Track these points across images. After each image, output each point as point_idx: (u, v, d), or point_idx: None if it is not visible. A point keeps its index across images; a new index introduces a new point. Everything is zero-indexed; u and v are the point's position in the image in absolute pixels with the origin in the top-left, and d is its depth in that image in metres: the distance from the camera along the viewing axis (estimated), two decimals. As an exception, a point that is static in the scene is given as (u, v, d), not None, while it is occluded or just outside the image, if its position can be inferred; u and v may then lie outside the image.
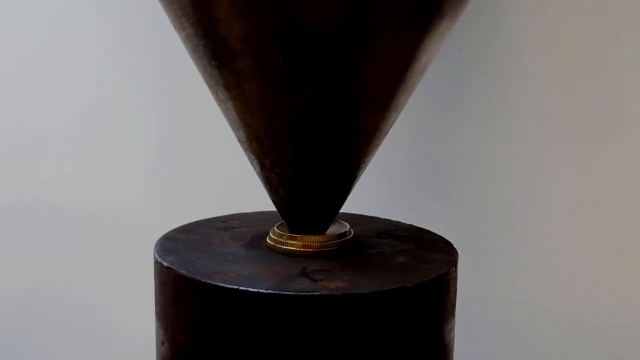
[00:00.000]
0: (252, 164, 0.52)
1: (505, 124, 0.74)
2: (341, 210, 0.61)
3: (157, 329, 0.52)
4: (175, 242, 0.54)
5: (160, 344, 0.52)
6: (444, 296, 0.50)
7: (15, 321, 0.91)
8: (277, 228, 0.54)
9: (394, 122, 0.52)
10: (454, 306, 0.52)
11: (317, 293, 0.46)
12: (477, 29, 0.73)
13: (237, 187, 0.82)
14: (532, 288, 0.75)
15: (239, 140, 0.52)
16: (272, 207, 0.62)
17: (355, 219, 0.58)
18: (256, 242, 0.55)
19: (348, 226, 0.55)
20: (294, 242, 0.52)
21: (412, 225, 0.60)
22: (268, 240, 0.54)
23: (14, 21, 0.85)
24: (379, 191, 0.79)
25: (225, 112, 0.51)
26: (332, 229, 0.55)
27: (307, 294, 0.46)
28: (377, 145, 0.52)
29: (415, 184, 0.78)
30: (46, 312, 0.90)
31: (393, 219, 0.62)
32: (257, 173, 0.53)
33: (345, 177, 0.52)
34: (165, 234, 0.56)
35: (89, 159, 0.86)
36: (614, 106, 0.70)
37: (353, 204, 0.66)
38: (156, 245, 0.54)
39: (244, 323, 0.46)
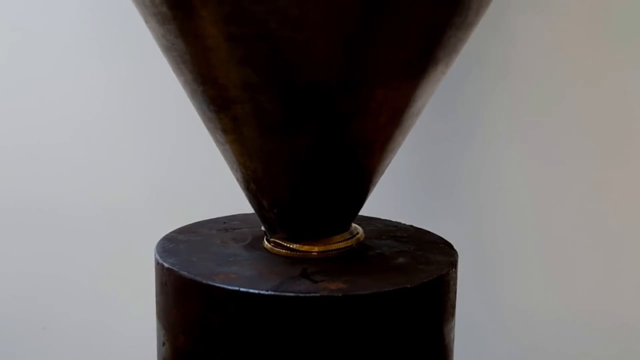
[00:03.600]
0: (250, 203, 0.53)
1: (506, 124, 0.74)
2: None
3: (158, 330, 0.53)
4: (176, 243, 0.55)
5: (161, 345, 0.52)
6: (444, 297, 0.51)
7: (16, 321, 0.91)
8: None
9: (390, 161, 0.53)
10: (454, 307, 0.52)
11: (318, 294, 0.46)
12: (477, 30, 0.73)
13: (238, 188, 0.82)
14: (532, 288, 0.75)
15: (238, 180, 0.53)
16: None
17: (356, 220, 0.58)
18: (257, 243, 0.55)
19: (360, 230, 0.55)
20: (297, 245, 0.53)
21: (412, 226, 0.61)
22: (267, 243, 0.54)
23: (14, 22, 0.85)
24: (378, 192, 0.79)
25: (224, 153, 0.52)
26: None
27: (307, 295, 0.46)
28: (375, 184, 0.53)
29: (415, 185, 0.78)
30: (47, 312, 0.90)
31: (393, 219, 0.62)
32: (255, 211, 0.53)
33: (343, 216, 0.53)
34: (166, 235, 0.57)
35: (89, 159, 0.86)
36: (618, 108, 0.70)
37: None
38: (157, 246, 0.54)
39: (244, 324, 0.46)
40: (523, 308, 0.76)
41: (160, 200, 0.85)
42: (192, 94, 0.50)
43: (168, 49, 0.48)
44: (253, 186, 0.51)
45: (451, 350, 0.53)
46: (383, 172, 0.53)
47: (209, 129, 0.51)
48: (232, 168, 0.52)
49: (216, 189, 0.83)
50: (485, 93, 0.74)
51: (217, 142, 0.51)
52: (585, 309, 0.74)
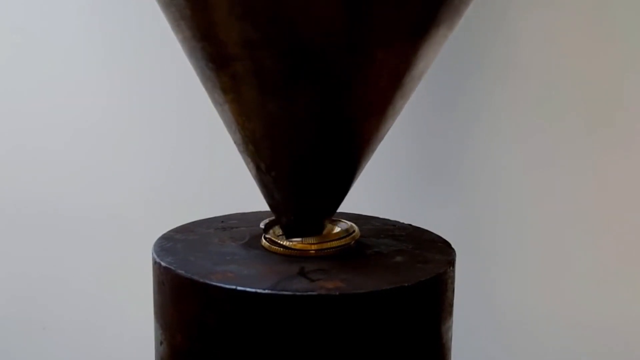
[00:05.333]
0: (247, 166, 0.52)
1: (506, 124, 0.74)
2: (340, 210, 0.62)
3: (155, 329, 0.53)
4: (173, 242, 0.55)
5: (159, 344, 0.52)
6: (442, 296, 0.50)
7: (15, 321, 0.91)
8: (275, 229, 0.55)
9: (390, 127, 0.52)
10: (451, 306, 0.52)
11: (315, 293, 0.46)
12: (478, 26, 0.73)
13: (236, 187, 0.82)
14: (531, 287, 0.75)
15: (235, 143, 0.52)
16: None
17: (354, 219, 0.58)
18: (255, 242, 0.55)
19: (353, 227, 0.55)
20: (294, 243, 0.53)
21: (410, 225, 0.61)
22: (264, 241, 0.54)
23: (15, 23, 0.85)
24: (377, 191, 0.79)
25: (222, 114, 0.51)
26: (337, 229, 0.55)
27: (304, 293, 0.46)
28: (373, 150, 0.52)
29: (414, 183, 0.78)
30: (46, 312, 0.90)
31: (391, 218, 0.62)
32: (252, 176, 0.53)
33: (341, 181, 0.53)
34: (164, 234, 0.57)
35: (88, 160, 0.86)
36: (618, 102, 0.70)
37: (352, 204, 0.66)
38: (154, 245, 0.54)
39: (242, 323, 0.46)
40: (523, 307, 0.76)
41: (158, 200, 0.85)
42: (191, 52, 0.49)
43: (167, 5, 0.48)
44: (251, 147, 0.50)
45: (449, 349, 0.53)
46: (382, 138, 0.52)
47: (207, 88, 0.50)
48: (230, 130, 0.51)
49: (214, 188, 0.83)
50: (486, 92, 0.74)
51: (216, 102, 0.51)
52: (586, 309, 0.74)
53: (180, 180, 0.84)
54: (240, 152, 0.52)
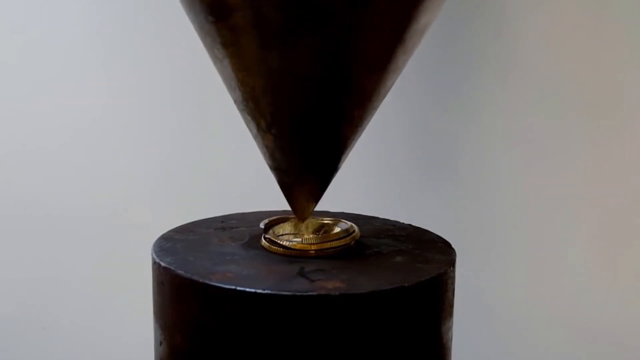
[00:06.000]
0: (247, 126, 0.52)
1: (506, 122, 0.74)
2: (339, 210, 0.61)
3: (155, 330, 0.53)
4: (173, 242, 0.54)
5: (159, 344, 0.52)
6: (442, 296, 0.50)
7: (15, 321, 0.91)
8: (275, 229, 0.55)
9: (392, 84, 0.52)
10: (452, 306, 0.52)
11: (315, 293, 0.46)
12: (477, 25, 0.73)
13: (236, 187, 0.82)
14: (531, 287, 0.75)
15: (235, 102, 0.51)
16: (270, 207, 0.62)
17: (354, 219, 0.58)
18: (254, 242, 0.55)
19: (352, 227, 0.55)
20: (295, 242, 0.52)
21: (410, 225, 0.60)
22: (264, 241, 0.54)
23: (16, 24, 0.85)
24: (377, 191, 0.79)
25: (221, 70, 0.50)
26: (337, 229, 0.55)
27: (304, 294, 0.46)
28: (375, 108, 0.52)
29: (414, 183, 0.78)
30: (46, 312, 0.90)
31: (391, 218, 0.62)
32: (253, 136, 0.52)
33: (343, 139, 0.52)
34: (163, 234, 0.57)
35: (87, 160, 0.86)
36: (616, 102, 0.70)
37: (352, 204, 0.66)
38: (154, 245, 0.54)
39: (241, 323, 0.46)
40: (522, 308, 0.76)
41: (158, 200, 0.84)
42: (190, 5, 0.48)
43: None
44: (251, 104, 0.50)
45: (449, 350, 0.53)
46: (384, 96, 0.52)
47: (206, 44, 0.50)
48: (229, 87, 0.51)
49: (214, 189, 0.83)
50: (485, 91, 0.74)
51: (215, 58, 0.50)
52: (586, 309, 0.74)
53: (180, 180, 0.84)
54: (240, 110, 0.51)
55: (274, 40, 0.46)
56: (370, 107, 0.51)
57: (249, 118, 0.51)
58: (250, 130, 0.52)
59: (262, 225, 0.54)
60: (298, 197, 0.53)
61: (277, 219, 0.56)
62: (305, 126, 0.50)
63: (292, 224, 0.56)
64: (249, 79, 0.49)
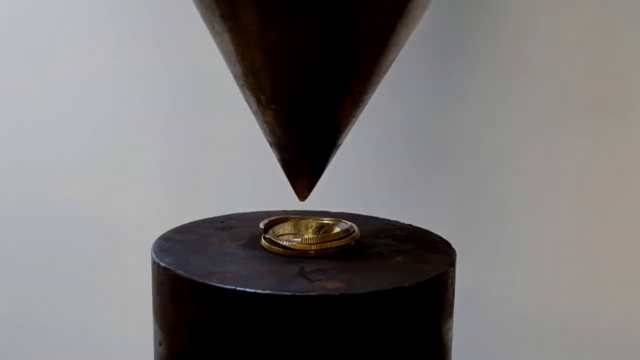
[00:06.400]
0: (247, 101, 0.51)
1: (507, 121, 0.74)
2: (339, 210, 0.61)
3: (154, 330, 0.52)
4: (172, 243, 0.54)
5: (158, 344, 0.52)
6: (442, 296, 0.50)
7: (14, 321, 0.91)
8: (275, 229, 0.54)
9: (393, 59, 0.51)
10: (452, 306, 0.52)
11: (315, 293, 0.46)
12: (478, 19, 0.73)
13: (236, 187, 0.82)
14: (531, 287, 0.75)
15: (235, 77, 0.51)
16: (270, 207, 0.62)
17: (354, 219, 0.58)
18: (254, 242, 0.55)
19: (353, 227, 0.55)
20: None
21: (410, 225, 0.60)
22: (264, 241, 0.54)
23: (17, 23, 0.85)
24: (377, 190, 0.79)
25: (221, 45, 0.50)
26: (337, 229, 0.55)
27: (304, 294, 0.45)
28: (377, 83, 0.51)
29: (414, 183, 0.78)
30: (45, 312, 0.90)
31: (391, 218, 0.62)
32: (253, 112, 0.52)
33: (344, 114, 0.52)
34: (163, 234, 0.56)
35: (86, 160, 0.86)
36: (622, 100, 0.70)
37: (352, 204, 0.66)
38: (153, 245, 0.54)
39: (241, 323, 0.46)
40: (523, 308, 0.76)
41: (158, 200, 0.84)
42: None
43: None
44: (251, 79, 0.50)
45: (449, 350, 0.52)
46: (386, 71, 0.51)
47: (206, 18, 0.50)
48: (229, 62, 0.51)
49: (214, 189, 0.82)
50: (486, 91, 0.74)
51: (215, 32, 0.50)
52: (587, 309, 0.74)
53: (180, 180, 0.84)
54: (240, 86, 0.51)
55: (274, 13, 0.46)
56: (372, 82, 0.51)
57: (249, 93, 0.50)
58: (250, 106, 0.52)
59: (261, 226, 0.54)
60: (298, 174, 0.52)
61: (277, 219, 0.56)
62: (306, 101, 0.50)
63: (292, 224, 0.56)
64: (248, 53, 0.48)
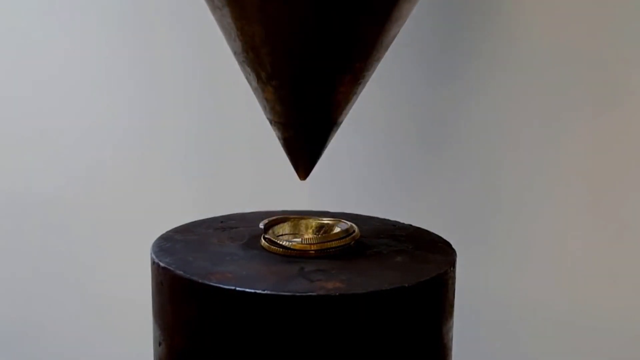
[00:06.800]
0: (247, 78, 0.51)
1: (507, 121, 0.74)
2: (339, 210, 0.61)
3: (154, 330, 0.52)
4: (172, 243, 0.54)
5: (158, 344, 0.52)
6: (442, 296, 0.50)
7: (13, 321, 0.91)
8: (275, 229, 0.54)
9: (394, 36, 0.51)
10: (452, 306, 0.52)
11: (314, 293, 0.45)
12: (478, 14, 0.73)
13: (236, 187, 0.81)
14: (531, 287, 0.75)
15: (235, 53, 0.50)
16: (270, 207, 0.62)
17: (354, 219, 0.58)
18: (254, 242, 0.55)
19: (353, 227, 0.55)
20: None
21: (410, 225, 0.60)
22: (264, 241, 0.54)
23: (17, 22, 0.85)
24: (377, 190, 0.79)
25: (220, 20, 0.50)
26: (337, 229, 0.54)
27: (304, 294, 0.45)
28: (378, 60, 0.51)
29: (414, 183, 0.77)
30: (44, 312, 0.90)
31: (391, 218, 0.62)
32: (253, 89, 0.51)
33: (345, 91, 0.51)
34: (163, 234, 0.56)
35: (86, 159, 0.86)
36: (620, 95, 0.70)
37: (352, 204, 0.66)
38: (153, 245, 0.54)
39: (241, 324, 0.46)
40: (523, 308, 0.76)
41: (158, 200, 0.84)
42: None
43: None
44: (252, 55, 0.49)
45: (450, 350, 0.52)
46: (387, 48, 0.51)
47: None
48: (229, 38, 0.50)
49: (214, 189, 0.82)
50: (485, 89, 0.74)
51: (214, 7, 0.49)
52: (588, 308, 0.74)
53: (179, 180, 0.84)
54: (240, 62, 0.50)
55: None
56: (373, 59, 0.50)
57: (249, 70, 0.50)
58: (250, 83, 0.51)
59: (261, 226, 0.54)
60: (299, 152, 0.52)
61: (277, 219, 0.56)
62: (306, 77, 0.49)
63: (292, 224, 0.56)
64: (248, 27, 0.48)
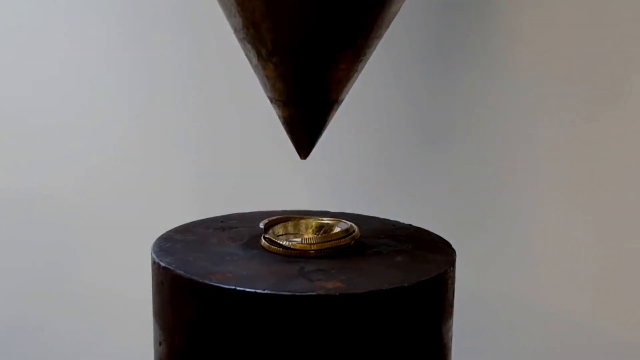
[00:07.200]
0: (247, 55, 0.50)
1: (507, 120, 0.74)
2: (339, 210, 0.61)
3: (154, 330, 0.52)
4: (172, 243, 0.54)
5: (158, 344, 0.52)
6: (442, 296, 0.50)
7: (13, 321, 0.91)
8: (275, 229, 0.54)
9: (396, 12, 0.50)
10: (452, 306, 0.52)
11: (314, 293, 0.45)
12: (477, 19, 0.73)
13: (236, 187, 0.81)
14: (532, 287, 0.75)
15: (235, 30, 0.50)
16: (270, 207, 0.62)
17: (354, 219, 0.58)
18: (254, 242, 0.55)
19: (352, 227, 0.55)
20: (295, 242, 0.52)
21: (410, 225, 0.60)
22: (264, 241, 0.54)
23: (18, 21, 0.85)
24: (377, 190, 0.79)
25: None
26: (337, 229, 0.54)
27: (304, 294, 0.45)
28: (379, 37, 0.51)
29: (414, 183, 0.77)
30: (43, 312, 0.90)
31: (391, 218, 0.62)
32: (253, 67, 0.51)
33: (345, 67, 0.51)
34: (163, 234, 0.56)
35: (86, 158, 0.86)
36: (620, 95, 0.70)
37: (352, 204, 0.66)
38: (153, 245, 0.54)
39: (241, 323, 0.46)
40: (523, 307, 0.76)
41: (158, 200, 0.84)
42: None
43: None
44: (252, 31, 0.49)
45: (449, 350, 0.52)
46: (389, 25, 0.51)
47: None
48: (229, 14, 0.50)
49: (214, 189, 0.82)
50: (485, 90, 0.74)
51: None
52: (585, 308, 0.74)
53: (179, 180, 0.84)
54: (240, 39, 0.50)
55: None
56: (374, 35, 0.50)
57: (249, 47, 0.49)
58: (250, 61, 0.51)
59: (261, 226, 0.54)
60: (299, 130, 0.51)
61: (277, 219, 0.56)
62: (307, 54, 0.49)
63: (292, 224, 0.56)
64: (248, 2, 0.48)
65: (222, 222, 0.60)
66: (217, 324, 0.47)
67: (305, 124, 0.51)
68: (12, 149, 0.88)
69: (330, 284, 0.47)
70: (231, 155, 0.82)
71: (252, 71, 0.52)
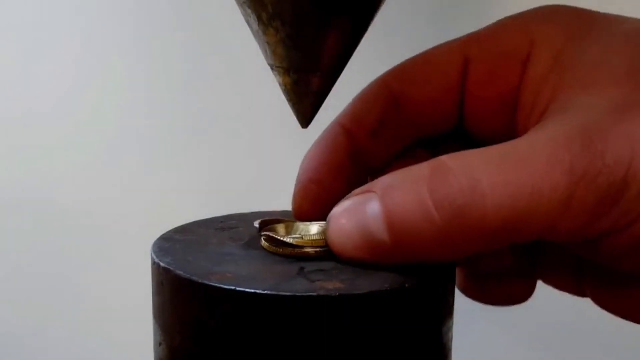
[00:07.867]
0: (247, 21, 0.49)
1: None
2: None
3: (154, 330, 0.52)
4: (172, 243, 0.54)
5: (158, 344, 0.52)
6: (442, 296, 0.50)
7: (12, 321, 0.91)
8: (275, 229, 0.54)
9: None
10: (452, 306, 0.52)
11: (315, 293, 0.45)
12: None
13: (236, 187, 0.82)
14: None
15: None
16: (270, 207, 0.62)
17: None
18: (254, 242, 0.55)
19: None
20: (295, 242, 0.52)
21: (411, 225, 0.60)
22: (264, 242, 0.54)
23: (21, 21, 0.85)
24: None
25: None
26: None
27: (304, 294, 0.45)
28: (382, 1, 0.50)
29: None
30: (43, 312, 0.90)
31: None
32: (253, 32, 0.50)
33: (349, 32, 0.49)
34: (163, 234, 0.56)
35: (86, 158, 0.86)
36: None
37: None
38: (153, 245, 0.54)
39: (241, 324, 0.46)
40: (523, 307, 0.76)
41: (158, 200, 0.84)
42: None
43: None
44: None
45: (449, 350, 0.52)
46: None
47: None
48: None
49: (214, 189, 0.83)
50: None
51: None
52: (585, 308, 0.74)
53: (179, 180, 0.84)
54: (240, 4, 0.49)
55: None
56: (376, 4, 0.49)
57: (249, 11, 0.48)
58: (250, 26, 0.50)
59: (256, 224, 0.54)
60: (301, 98, 0.50)
61: (273, 218, 0.56)
62: (309, 17, 0.47)
63: (292, 224, 0.56)
64: None
65: (222, 222, 0.60)
66: (217, 324, 0.47)
67: (306, 92, 0.50)
68: (12, 148, 0.88)
69: (330, 284, 0.47)
70: (232, 155, 0.82)
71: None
